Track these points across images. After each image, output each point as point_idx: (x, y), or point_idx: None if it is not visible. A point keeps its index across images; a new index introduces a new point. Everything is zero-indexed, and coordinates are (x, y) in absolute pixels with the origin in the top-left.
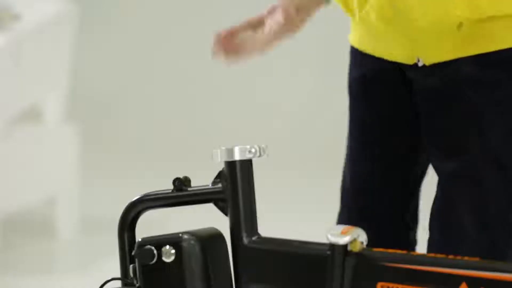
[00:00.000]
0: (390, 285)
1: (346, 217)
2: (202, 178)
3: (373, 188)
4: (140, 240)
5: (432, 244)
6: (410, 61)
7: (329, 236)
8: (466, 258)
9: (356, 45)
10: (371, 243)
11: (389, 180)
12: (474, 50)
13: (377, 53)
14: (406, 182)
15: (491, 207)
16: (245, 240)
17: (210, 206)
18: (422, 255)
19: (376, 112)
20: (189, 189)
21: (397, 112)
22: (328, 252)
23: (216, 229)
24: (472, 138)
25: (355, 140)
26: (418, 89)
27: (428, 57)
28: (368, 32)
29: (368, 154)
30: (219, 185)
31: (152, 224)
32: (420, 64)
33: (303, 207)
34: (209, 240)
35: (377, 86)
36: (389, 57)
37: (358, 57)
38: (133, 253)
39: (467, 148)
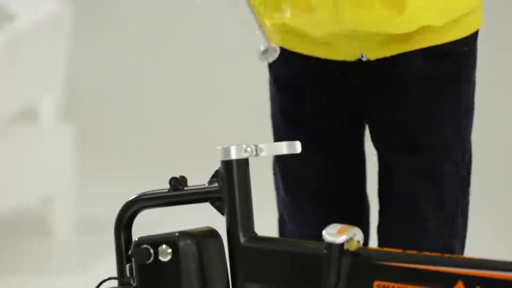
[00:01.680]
0: (387, 283)
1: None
2: (199, 177)
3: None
4: (136, 239)
5: (389, 240)
6: (352, 58)
7: (325, 235)
8: (462, 256)
9: (285, 45)
10: None
11: (331, 173)
12: (420, 44)
13: (314, 53)
14: (346, 177)
15: (450, 201)
16: (242, 239)
17: (207, 205)
18: (418, 254)
19: (312, 107)
20: (185, 188)
21: (336, 106)
22: (325, 251)
23: (213, 228)
24: (427, 134)
25: (288, 135)
26: (362, 84)
27: (373, 52)
28: (302, 35)
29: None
30: (216, 184)
31: (149, 224)
32: (364, 59)
33: None
34: (205, 240)
35: (312, 81)
36: (328, 56)
37: (286, 55)
38: (129, 253)
39: (424, 145)
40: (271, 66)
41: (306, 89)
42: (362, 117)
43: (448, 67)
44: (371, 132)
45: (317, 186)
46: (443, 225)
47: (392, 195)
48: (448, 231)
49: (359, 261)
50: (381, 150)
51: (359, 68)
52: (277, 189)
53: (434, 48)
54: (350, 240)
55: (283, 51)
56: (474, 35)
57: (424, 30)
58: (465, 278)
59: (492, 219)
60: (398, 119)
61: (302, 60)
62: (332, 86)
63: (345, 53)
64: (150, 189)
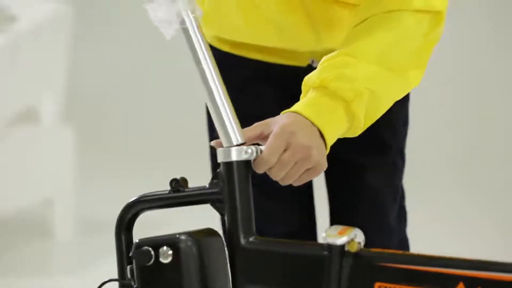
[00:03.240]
0: (388, 285)
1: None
2: (199, 179)
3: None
4: (137, 241)
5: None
6: (303, 64)
7: (326, 237)
8: (463, 258)
9: (235, 52)
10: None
11: None
12: None
13: (267, 60)
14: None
15: (402, 199)
16: (242, 241)
17: (208, 206)
18: (419, 255)
19: (263, 108)
20: (186, 190)
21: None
22: (325, 253)
23: (213, 230)
24: (388, 133)
25: None
26: None
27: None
28: (257, 46)
29: None
30: (216, 186)
31: (150, 225)
32: (314, 65)
33: None
34: (206, 241)
35: (264, 84)
36: (277, 61)
37: (236, 60)
38: (130, 254)
39: (386, 144)
40: (221, 71)
41: (260, 91)
42: None
43: None
44: None
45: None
46: (398, 217)
47: (358, 192)
48: (401, 221)
49: (360, 262)
50: (345, 152)
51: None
52: None
53: None
54: (351, 241)
55: (233, 56)
56: None
57: None
58: (466, 280)
59: (493, 220)
60: None
61: (254, 64)
62: (285, 86)
63: (298, 59)
64: (150, 190)
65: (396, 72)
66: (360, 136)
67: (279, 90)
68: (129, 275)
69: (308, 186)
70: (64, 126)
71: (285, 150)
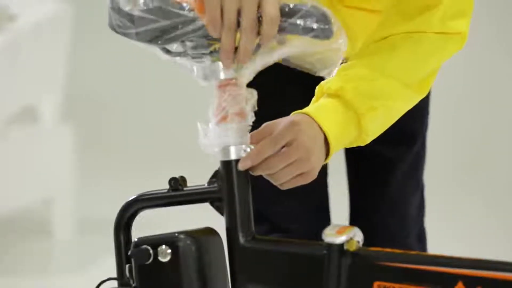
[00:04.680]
0: (387, 284)
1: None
2: (198, 178)
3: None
4: (136, 240)
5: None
6: None
7: (325, 236)
8: (462, 257)
9: None
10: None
11: None
12: None
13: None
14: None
15: (422, 189)
16: (241, 240)
17: (207, 205)
18: (418, 254)
19: (292, 108)
20: (185, 188)
21: None
22: (325, 252)
23: (213, 229)
24: (416, 124)
25: None
26: None
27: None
28: None
29: None
30: (215, 184)
31: (148, 224)
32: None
33: None
34: (205, 240)
35: (293, 85)
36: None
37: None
38: (129, 253)
39: (413, 136)
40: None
41: (288, 93)
42: None
43: None
44: None
45: None
46: (418, 207)
47: (383, 186)
48: (420, 212)
49: (359, 261)
50: (374, 144)
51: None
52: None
53: None
54: (350, 240)
55: None
56: None
57: None
58: (466, 279)
59: (494, 220)
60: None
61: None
62: (309, 86)
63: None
64: (150, 189)
65: (413, 88)
66: (390, 128)
67: (307, 90)
68: (128, 274)
69: (325, 184)
70: (63, 126)
71: (287, 145)
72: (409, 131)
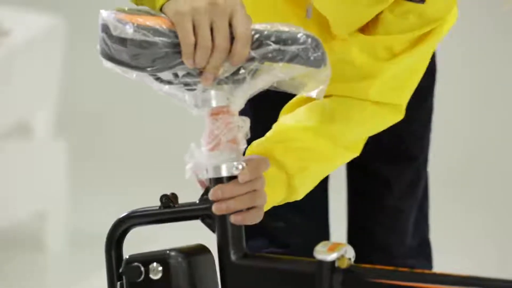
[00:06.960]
0: None
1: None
2: (193, 191)
3: None
4: (127, 257)
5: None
6: None
7: (316, 253)
8: (455, 274)
9: None
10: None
11: None
12: None
13: None
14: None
15: (425, 200)
16: (233, 257)
17: (198, 222)
18: (410, 272)
19: None
20: (176, 206)
21: None
22: (316, 269)
23: (204, 246)
24: (417, 144)
25: None
26: None
27: None
28: None
29: None
30: (207, 201)
31: (140, 241)
32: None
33: None
34: (196, 257)
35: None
36: None
37: None
38: (120, 270)
39: (413, 155)
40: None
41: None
42: None
43: (426, 79)
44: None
45: None
46: (420, 224)
47: (381, 205)
48: (422, 229)
49: (350, 278)
50: (373, 162)
51: None
52: None
53: None
54: (341, 257)
55: None
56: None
57: None
58: None
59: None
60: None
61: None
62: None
63: None
64: (144, 204)
65: (351, 149)
66: (389, 146)
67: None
68: None
69: (325, 199)
70: (57, 140)
71: None
72: (409, 151)
